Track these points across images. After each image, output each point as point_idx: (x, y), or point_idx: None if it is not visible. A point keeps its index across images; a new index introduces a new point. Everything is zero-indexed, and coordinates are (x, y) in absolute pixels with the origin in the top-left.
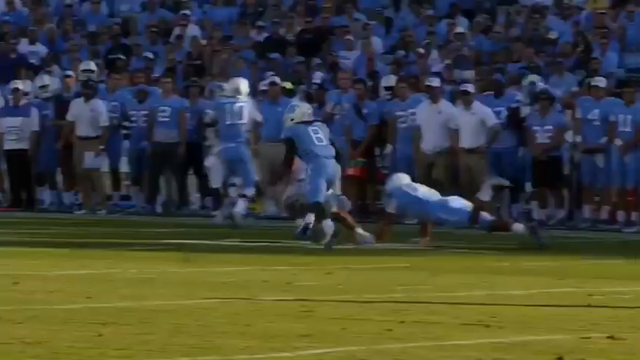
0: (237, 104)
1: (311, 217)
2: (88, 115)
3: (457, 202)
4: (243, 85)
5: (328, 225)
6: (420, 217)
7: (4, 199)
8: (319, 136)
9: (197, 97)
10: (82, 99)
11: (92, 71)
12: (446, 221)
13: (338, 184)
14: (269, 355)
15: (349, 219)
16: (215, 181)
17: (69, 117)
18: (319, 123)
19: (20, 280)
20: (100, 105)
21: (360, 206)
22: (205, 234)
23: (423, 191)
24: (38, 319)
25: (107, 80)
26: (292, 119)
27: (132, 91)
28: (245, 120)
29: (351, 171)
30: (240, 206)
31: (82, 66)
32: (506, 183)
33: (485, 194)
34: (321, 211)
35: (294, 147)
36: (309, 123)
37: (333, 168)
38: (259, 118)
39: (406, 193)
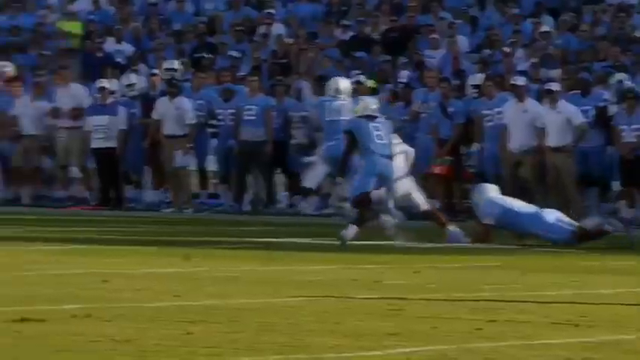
0: (336, 102)
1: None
2: (174, 114)
3: (551, 215)
4: (343, 84)
5: (384, 220)
6: (514, 230)
7: (92, 197)
8: (380, 133)
9: (283, 96)
10: (166, 97)
11: (175, 70)
12: (546, 238)
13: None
14: (358, 353)
15: (440, 216)
16: (309, 181)
17: (154, 115)
18: (382, 120)
19: (109, 279)
20: (186, 103)
21: (447, 205)
22: (292, 232)
23: (515, 203)
24: (126, 317)
25: (192, 79)
26: (356, 112)
27: (217, 90)
28: (345, 117)
29: (437, 169)
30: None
31: (166, 65)
32: (611, 230)
33: (590, 223)
34: (362, 204)
35: (354, 140)
36: (371, 118)
37: (387, 167)
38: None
39: (498, 204)
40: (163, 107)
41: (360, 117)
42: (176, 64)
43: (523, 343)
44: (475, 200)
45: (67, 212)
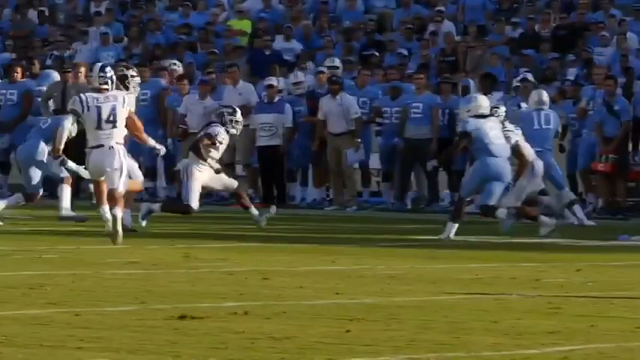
0: (544, 112)
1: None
2: (338, 110)
3: None
4: (545, 95)
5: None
6: None
7: (256, 195)
8: (496, 132)
9: (449, 94)
10: (329, 95)
11: (337, 67)
12: None
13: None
14: (516, 352)
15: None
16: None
17: (320, 116)
18: (494, 118)
19: (269, 276)
20: (349, 98)
21: (611, 202)
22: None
23: None
24: (286, 314)
25: (357, 76)
26: (468, 111)
27: (384, 88)
28: (551, 126)
29: (600, 166)
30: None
31: (327, 62)
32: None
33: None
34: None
35: (470, 140)
36: (484, 117)
37: (500, 167)
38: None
39: None
40: (327, 105)
41: (474, 116)
42: (337, 61)
43: None
44: None
45: (231, 210)
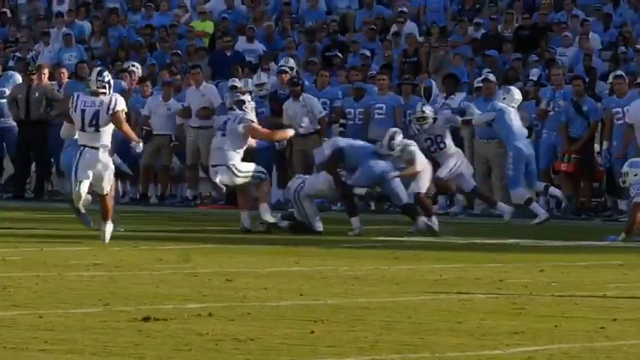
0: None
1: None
2: (302, 112)
3: None
4: (518, 94)
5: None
6: None
7: (220, 196)
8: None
9: (410, 95)
10: (291, 98)
11: (291, 68)
12: None
13: None
14: (480, 352)
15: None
16: None
17: (284, 120)
18: None
19: (233, 278)
20: (312, 99)
21: (575, 203)
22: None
23: None
24: (251, 316)
25: (316, 77)
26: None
27: (344, 88)
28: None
29: (563, 166)
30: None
31: (281, 63)
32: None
33: None
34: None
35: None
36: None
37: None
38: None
39: None
40: (291, 108)
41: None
42: (291, 61)
43: None
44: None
45: (195, 211)
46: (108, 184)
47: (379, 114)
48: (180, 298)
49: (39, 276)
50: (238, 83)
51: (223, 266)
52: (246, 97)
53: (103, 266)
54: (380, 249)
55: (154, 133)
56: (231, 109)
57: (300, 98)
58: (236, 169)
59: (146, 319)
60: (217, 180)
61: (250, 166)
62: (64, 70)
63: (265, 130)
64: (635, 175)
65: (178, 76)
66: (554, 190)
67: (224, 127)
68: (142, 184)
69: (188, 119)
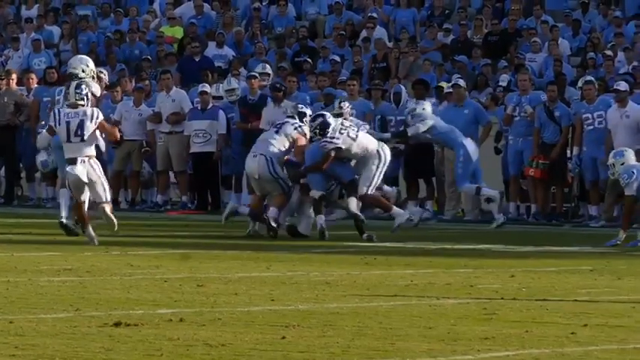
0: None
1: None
2: (283, 117)
3: None
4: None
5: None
6: None
7: (190, 202)
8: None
9: (379, 100)
10: (271, 104)
11: (268, 74)
12: None
13: None
14: (451, 357)
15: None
16: None
17: (262, 125)
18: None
19: (204, 283)
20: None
21: (544, 208)
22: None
23: None
24: (222, 321)
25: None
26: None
27: (314, 94)
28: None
29: (531, 172)
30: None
31: (258, 69)
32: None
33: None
34: None
35: None
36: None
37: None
38: None
39: None
40: (272, 114)
41: None
42: (268, 68)
43: (616, 347)
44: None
45: (165, 217)
46: (103, 192)
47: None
48: (151, 303)
49: (9, 281)
50: (208, 89)
51: (194, 272)
52: (309, 112)
53: (73, 271)
54: (351, 254)
55: (125, 138)
56: (292, 116)
57: (282, 104)
58: (273, 163)
59: (117, 324)
60: (254, 165)
61: (283, 174)
62: (32, 76)
63: (302, 147)
64: (622, 163)
65: (147, 82)
66: (486, 191)
67: (280, 125)
68: (112, 189)
69: (158, 124)
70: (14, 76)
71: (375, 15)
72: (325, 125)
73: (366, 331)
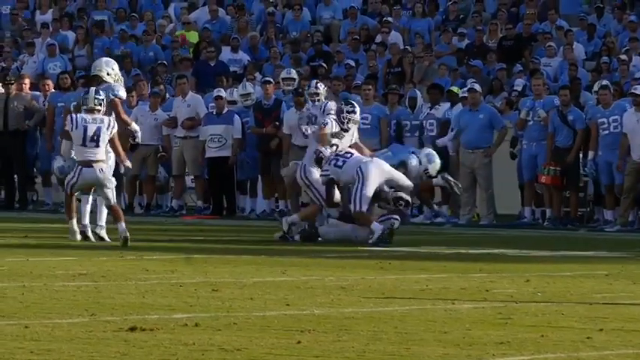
0: None
1: None
2: (305, 122)
3: None
4: None
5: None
6: None
7: (205, 206)
8: None
9: (396, 105)
10: (293, 108)
11: (294, 79)
12: None
13: None
14: None
15: None
16: None
17: (285, 130)
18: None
19: (219, 288)
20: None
21: (559, 213)
22: (403, 241)
23: None
24: (237, 326)
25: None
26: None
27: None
28: None
29: (543, 179)
30: None
31: (283, 74)
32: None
33: None
34: None
35: None
36: None
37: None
38: None
39: None
40: (293, 119)
41: None
42: (293, 72)
43: (633, 351)
44: None
45: (180, 221)
46: (112, 195)
47: (364, 124)
48: (166, 308)
49: (25, 286)
50: (223, 93)
51: (209, 276)
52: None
53: (88, 276)
54: (366, 259)
55: (140, 143)
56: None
57: (304, 109)
58: (304, 169)
59: (132, 329)
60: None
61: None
62: (49, 82)
63: (324, 136)
64: None
65: (162, 87)
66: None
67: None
68: (127, 194)
69: (174, 129)
70: (27, 80)
71: (390, 19)
72: (320, 160)
73: (381, 335)
